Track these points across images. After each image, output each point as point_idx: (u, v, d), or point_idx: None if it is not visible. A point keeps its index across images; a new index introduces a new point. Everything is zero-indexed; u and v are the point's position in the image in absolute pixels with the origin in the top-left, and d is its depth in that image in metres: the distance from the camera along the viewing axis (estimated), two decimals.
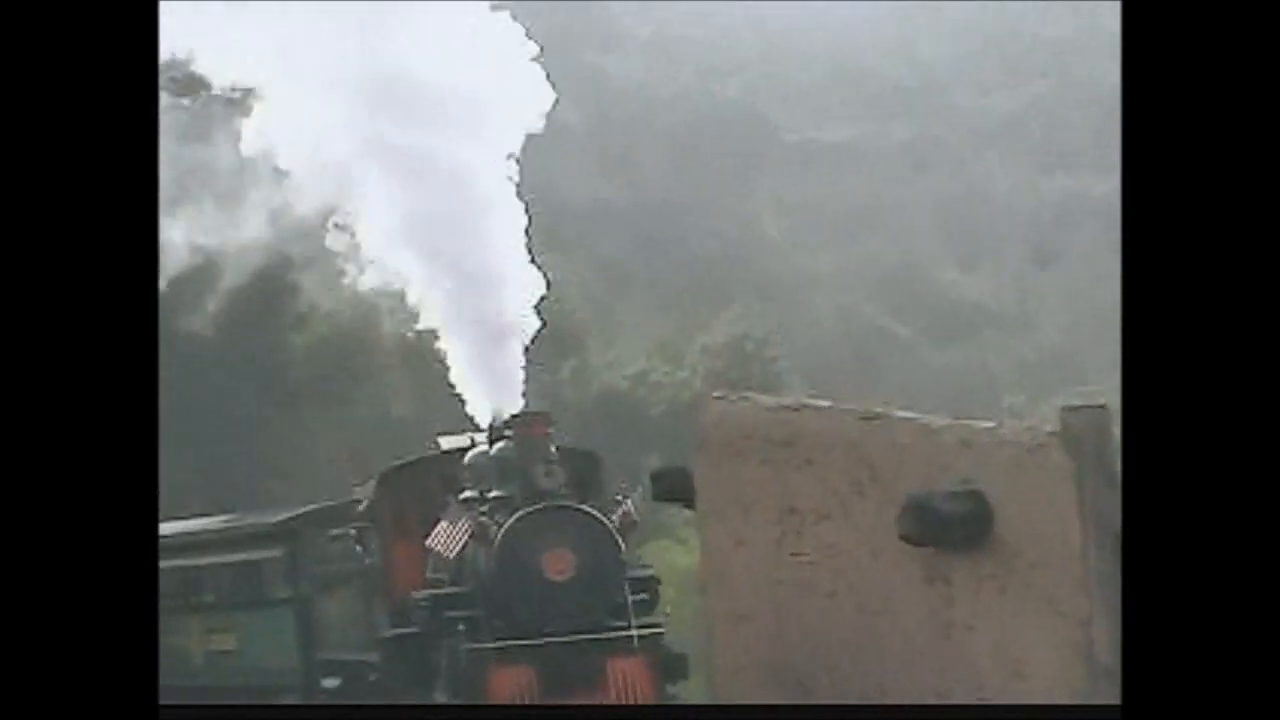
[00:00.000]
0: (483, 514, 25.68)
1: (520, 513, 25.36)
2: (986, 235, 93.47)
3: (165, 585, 37.09)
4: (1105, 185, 79.91)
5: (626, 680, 24.60)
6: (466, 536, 26.58)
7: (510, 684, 24.51)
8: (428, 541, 27.93)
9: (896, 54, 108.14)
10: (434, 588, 27.00)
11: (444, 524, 28.30)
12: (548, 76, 27.04)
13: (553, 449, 26.65)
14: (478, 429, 27.52)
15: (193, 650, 36.44)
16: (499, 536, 25.24)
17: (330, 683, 31.27)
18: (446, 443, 28.27)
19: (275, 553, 33.30)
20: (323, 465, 53.11)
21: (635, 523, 26.31)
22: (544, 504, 25.46)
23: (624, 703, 24.51)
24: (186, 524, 38.52)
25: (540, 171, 31.59)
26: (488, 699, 24.83)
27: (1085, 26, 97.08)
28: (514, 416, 26.91)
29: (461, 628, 25.66)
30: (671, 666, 25.00)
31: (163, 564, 38.07)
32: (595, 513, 25.62)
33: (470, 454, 26.95)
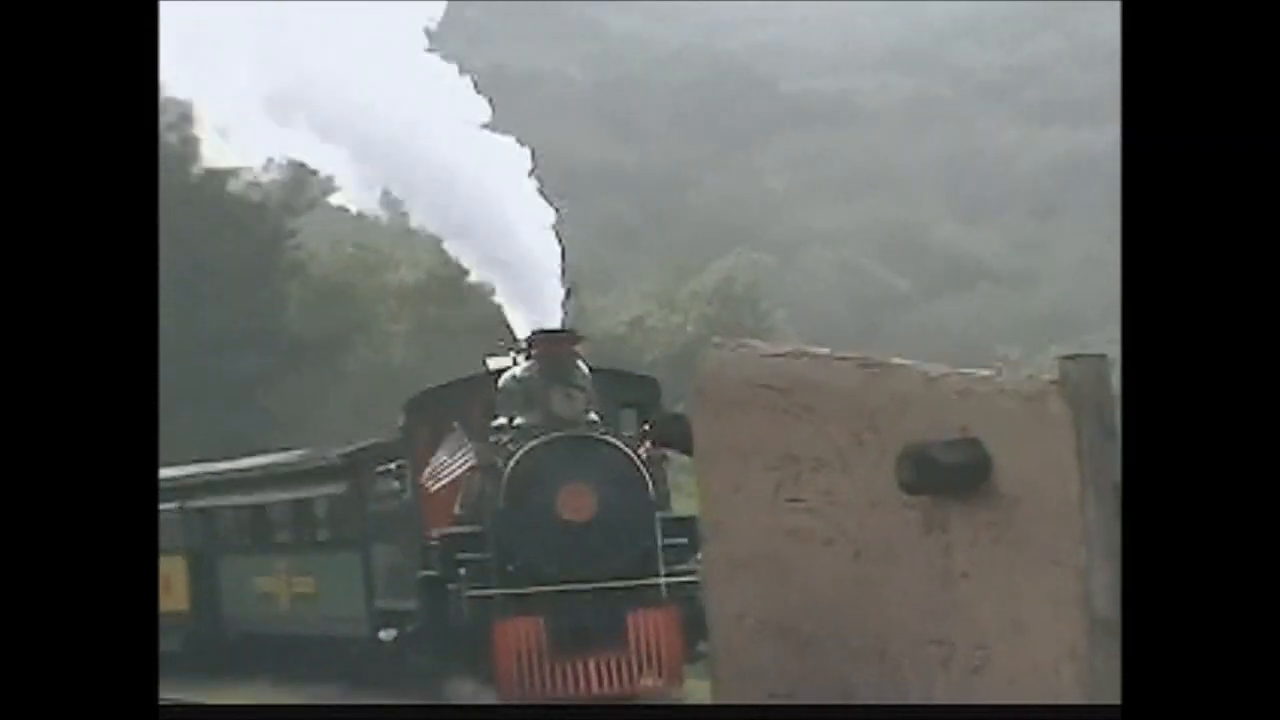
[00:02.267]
0: (507, 444, 23.67)
1: (530, 443, 23.22)
2: (986, 190, 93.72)
3: (229, 523, 36.50)
4: (1105, 139, 79.89)
5: (649, 635, 22.54)
6: (464, 470, 24.74)
7: (516, 637, 22.54)
8: (422, 476, 26.34)
9: (897, 11, 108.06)
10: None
11: (441, 455, 26.52)
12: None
13: (584, 371, 24.22)
14: (521, 350, 24.74)
15: (238, 593, 35.86)
16: (507, 470, 23.21)
17: (387, 634, 29.99)
18: (494, 364, 25.53)
19: (337, 489, 31.38)
20: (334, 413, 53.28)
21: (665, 456, 23.74)
22: (558, 433, 23.24)
23: (646, 660, 22.67)
24: (248, 461, 37.96)
25: (543, 126, 31.24)
26: (492, 653, 22.91)
27: None
28: (535, 334, 24.36)
29: (463, 572, 23.60)
30: (699, 622, 21.79)
31: (222, 501, 36.90)
32: (619, 443, 23.44)
33: (504, 377, 24.54)
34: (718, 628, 6.39)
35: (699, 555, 20.80)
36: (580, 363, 24.18)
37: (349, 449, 30.86)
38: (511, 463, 23.12)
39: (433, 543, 24.92)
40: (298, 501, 33.83)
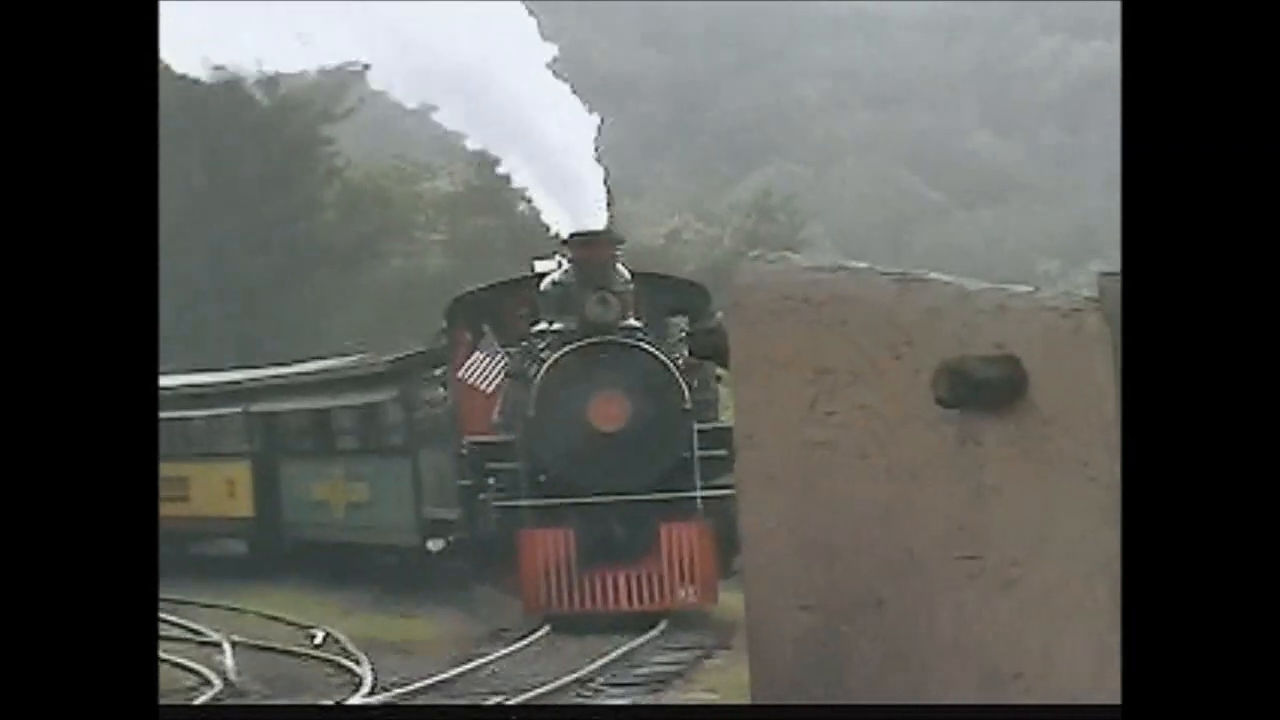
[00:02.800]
0: (540, 350, 22.99)
1: (563, 349, 22.50)
2: (1019, 102, 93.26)
3: (288, 428, 36.30)
4: None
5: (681, 549, 21.82)
6: (501, 375, 24.05)
7: (543, 549, 21.85)
8: (458, 375, 25.50)
9: None
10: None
11: (477, 356, 25.73)
12: None
13: (624, 275, 23.29)
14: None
15: (309, 497, 35.81)
16: (537, 378, 22.50)
17: (434, 544, 29.66)
18: (540, 266, 24.78)
19: (388, 395, 31.00)
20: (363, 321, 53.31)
21: (698, 364, 22.53)
22: (591, 339, 22.49)
23: (678, 575, 21.88)
24: (303, 365, 37.85)
25: (578, 35, 30.77)
26: (520, 565, 22.30)
27: None
28: (572, 235, 23.40)
29: (492, 481, 23.02)
30: (734, 536, 20.63)
31: (280, 406, 36.27)
32: (654, 350, 22.63)
33: (545, 281, 23.81)
34: (750, 539, 6.40)
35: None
36: (619, 266, 23.36)
37: (399, 355, 30.70)
38: (542, 370, 22.46)
39: (464, 451, 24.39)
40: (351, 408, 33.73)
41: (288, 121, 57.63)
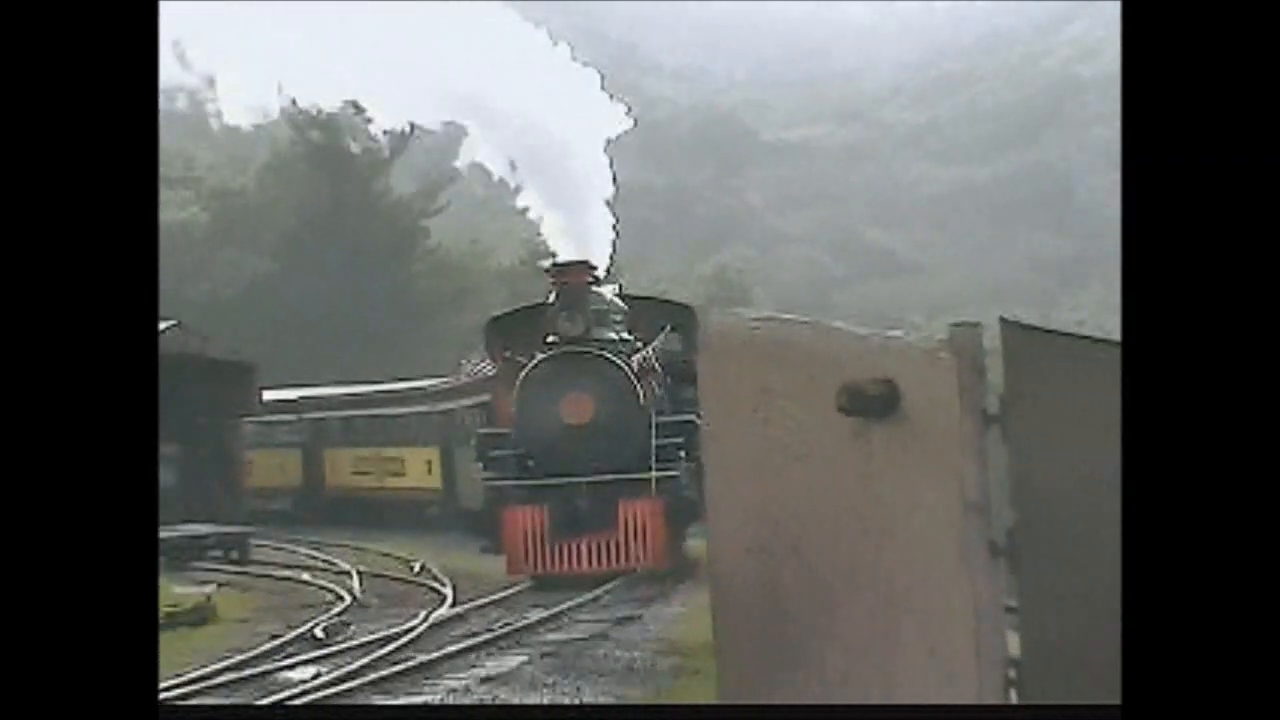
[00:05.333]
0: (523, 359, 20.79)
1: (538, 358, 20.51)
2: (901, 207, 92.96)
3: (458, 421, 34.48)
4: (984, 174, 78.96)
5: (636, 522, 19.57)
6: (485, 376, 22.89)
7: (521, 523, 19.90)
8: (456, 377, 23.36)
9: (840, 83, 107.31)
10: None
11: (468, 363, 23.90)
12: (611, 97, 23.14)
13: (604, 296, 21.05)
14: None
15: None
16: (519, 381, 20.62)
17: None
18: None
19: (467, 402, 29.35)
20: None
21: (654, 369, 20.83)
22: (560, 350, 20.35)
23: (630, 544, 19.51)
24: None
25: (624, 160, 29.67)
26: (502, 537, 20.23)
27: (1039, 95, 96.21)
28: (554, 264, 21.12)
29: (484, 466, 21.10)
30: (681, 510, 19.43)
31: (447, 406, 34.48)
32: (614, 358, 20.50)
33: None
34: (712, 506, 6.30)
35: (684, 454, 18.70)
36: (599, 290, 21.07)
37: (469, 376, 29.96)
38: (521, 375, 20.61)
39: (472, 442, 22.86)
40: (440, 412, 32.91)
41: (398, 217, 57.51)
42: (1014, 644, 5.35)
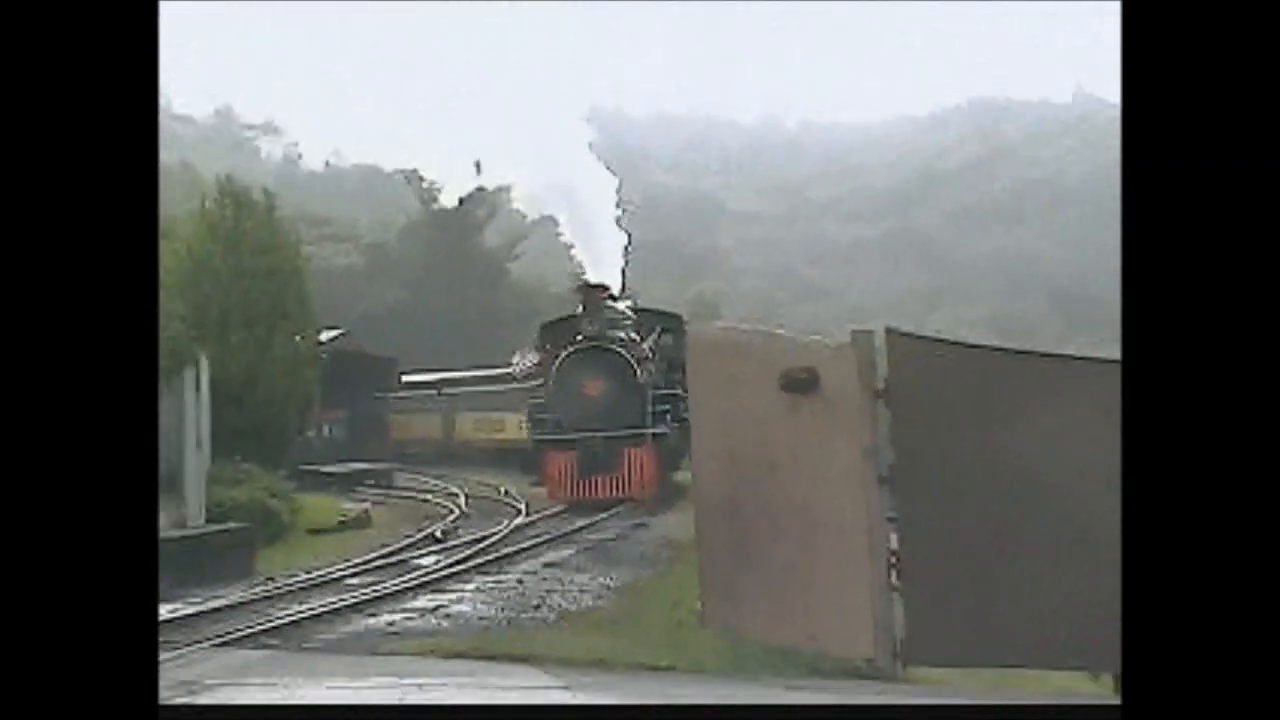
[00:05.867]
0: (557, 353, 19.83)
1: (569, 350, 19.66)
2: (828, 261, 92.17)
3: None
4: (878, 231, 78.80)
5: (636, 463, 18.75)
6: (533, 364, 21.67)
7: (557, 464, 18.93)
8: (510, 365, 22.38)
9: (783, 169, 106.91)
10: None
11: (517, 354, 23.28)
12: (619, 186, 21.70)
13: (622, 309, 20.06)
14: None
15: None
16: (555, 367, 19.76)
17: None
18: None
19: (527, 384, 27.40)
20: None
21: (649, 358, 19.82)
22: (584, 345, 19.42)
23: (633, 479, 18.52)
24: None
25: (634, 221, 28.83)
26: (544, 473, 19.23)
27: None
28: (578, 286, 20.38)
29: (525, 425, 20.14)
30: (669, 456, 18.97)
31: (515, 386, 30.58)
32: (621, 350, 19.55)
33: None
34: (696, 461, 6.16)
35: (671, 417, 18.05)
36: (608, 301, 20.15)
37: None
38: (556, 363, 19.94)
39: (524, 407, 22.09)
40: (525, 389, 32.13)
41: (489, 262, 56.98)
42: (894, 540, 5.33)
